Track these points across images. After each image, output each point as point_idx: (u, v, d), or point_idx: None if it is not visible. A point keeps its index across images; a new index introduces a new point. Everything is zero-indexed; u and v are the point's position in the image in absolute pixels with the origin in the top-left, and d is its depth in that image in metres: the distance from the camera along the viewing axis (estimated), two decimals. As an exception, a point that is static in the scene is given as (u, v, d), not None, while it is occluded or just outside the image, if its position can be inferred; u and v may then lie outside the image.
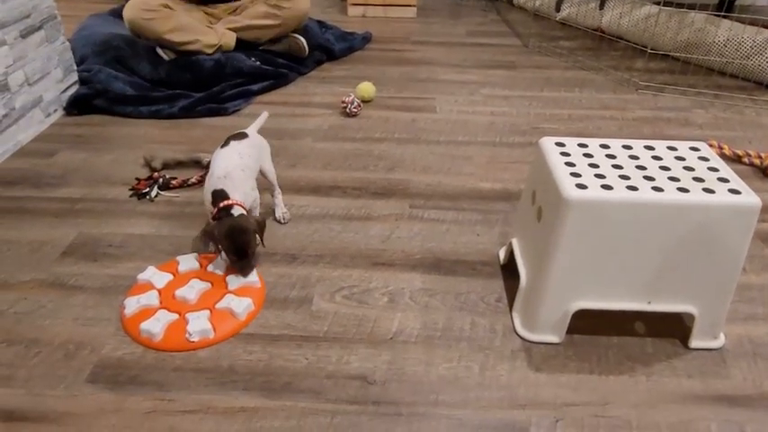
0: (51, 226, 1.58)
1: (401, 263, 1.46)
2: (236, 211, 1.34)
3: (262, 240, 1.36)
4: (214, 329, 1.22)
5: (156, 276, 1.36)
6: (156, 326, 1.21)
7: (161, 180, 1.73)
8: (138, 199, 1.70)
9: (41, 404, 1.09)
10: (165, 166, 1.84)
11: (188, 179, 1.76)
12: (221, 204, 1.33)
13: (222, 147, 1.48)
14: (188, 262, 1.41)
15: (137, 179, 1.77)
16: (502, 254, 1.46)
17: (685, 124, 2.21)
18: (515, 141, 2.07)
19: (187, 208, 1.66)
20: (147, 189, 1.71)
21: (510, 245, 1.38)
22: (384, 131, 2.12)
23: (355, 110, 2.22)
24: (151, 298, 1.29)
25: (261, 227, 1.36)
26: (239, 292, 1.31)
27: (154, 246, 1.50)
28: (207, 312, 1.26)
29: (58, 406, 1.08)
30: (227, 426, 1.05)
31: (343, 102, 2.22)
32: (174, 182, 1.74)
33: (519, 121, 2.21)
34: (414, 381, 1.14)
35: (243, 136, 1.53)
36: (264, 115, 1.72)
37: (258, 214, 1.48)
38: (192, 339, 1.20)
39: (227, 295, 1.30)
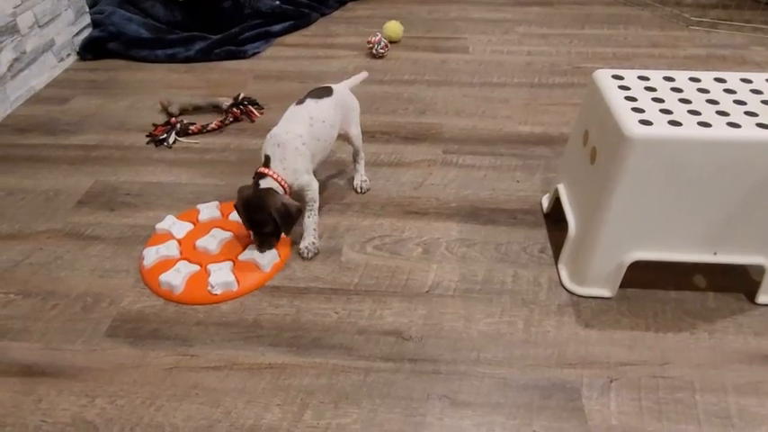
0: (67, 174, 1.52)
1: (436, 211, 1.37)
2: (265, 183, 1.16)
3: (282, 229, 1.17)
4: (237, 282, 1.16)
5: (176, 226, 1.30)
6: (176, 278, 1.15)
7: (179, 126, 1.66)
8: (156, 146, 1.63)
9: (59, 359, 1.04)
10: (183, 111, 1.76)
11: (207, 125, 1.68)
12: (258, 170, 1.19)
13: (297, 104, 1.27)
14: (209, 211, 1.34)
15: (154, 125, 1.70)
16: (545, 201, 1.36)
17: (742, 63, 2.04)
18: (555, 82, 1.93)
19: (207, 155, 1.59)
20: (165, 135, 1.64)
21: (555, 191, 1.28)
22: (413, 73, 2.00)
23: (382, 51, 2.09)
24: (171, 248, 1.23)
25: (283, 213, 1.15)
26: (264, 243, 1.24)
27: (173, 194, 1.44)
28: (229, 264, 1.20)
29: (77, 360, 1.04)
30: (253, 383, 0.99)
31: (369, 42, 2.10)
32: (192, 128, 1.67)
33: (558, 61, 2.07)
34: (453, 337, 1.07)
35: (325, 93, 1.29)
36: (363, 75, 1.46)
37: (312, 200, 1.24)
38: (214, 292, 1.15)
39: (250, 246, 1.23)
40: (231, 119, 1.73)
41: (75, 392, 0.98)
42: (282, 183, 1.19)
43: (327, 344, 1.06)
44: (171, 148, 1.63)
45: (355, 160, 1.43)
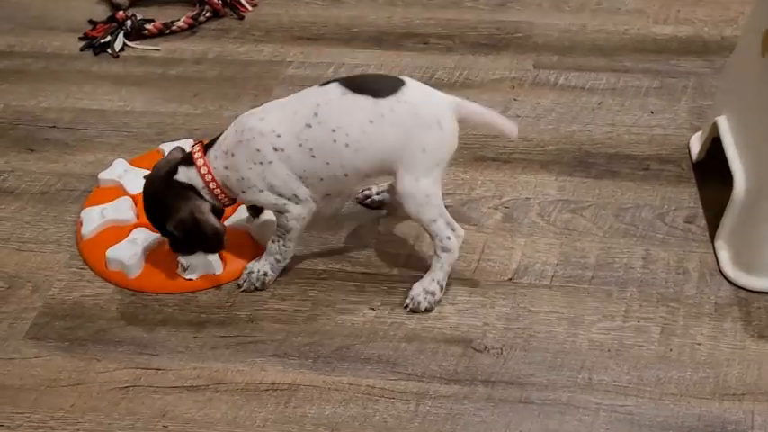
0: (-37, 97, 1.57)
1: (523, 158, 1.38)
2: (184, 176, 1.08)
3: (176, 247, 1.14)
4: (223, 261, 1.18)
5: (130, 175, 1.31)
6: (131, 253, 1.18)
7: (129, 23, 1.68)
8: (95, 53, 1.66)
9: (-42, 371, 1.08)
10: (136, 0, 1.79)
11: (172, 22, 1.71)
12: (192, 147, 1.12)
13: (321, 85, 1.11)
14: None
15: (91, 22, 1.72)
16: (696, 144, 1.36)
17: None
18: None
19: (173, 68, 1.61)
20: (109, 38, 1.67)
21: (713, 128, 1.27)
22: (487, -57, 1.98)
23: None
24: (122, 209, 1.26)
25: (187, 228, 1.08)
26: (261, 202, 1.26)
27: (123, 127, 1.46)
28: (211, 233, 1.22)
29: (-14, 374, 1.08)
30: (249, 411, 1.01)
31: None
32: (150, 26, 1.70)
33: None
34: (550, 349, 1.08)
35: (379, 87, 1.08)
36: (509, 126, 1.17)
37: (284, 227, 1.12)
38: (187, 276, 1.17)
39: (243, 206, 1.25)
40: (208, 13, 1.75)
41: (-17, 421, 1.02)
42: (213, 186, 1.09)
43: (359, 355, 1.07)
44: (118, 57, 1.65)
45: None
